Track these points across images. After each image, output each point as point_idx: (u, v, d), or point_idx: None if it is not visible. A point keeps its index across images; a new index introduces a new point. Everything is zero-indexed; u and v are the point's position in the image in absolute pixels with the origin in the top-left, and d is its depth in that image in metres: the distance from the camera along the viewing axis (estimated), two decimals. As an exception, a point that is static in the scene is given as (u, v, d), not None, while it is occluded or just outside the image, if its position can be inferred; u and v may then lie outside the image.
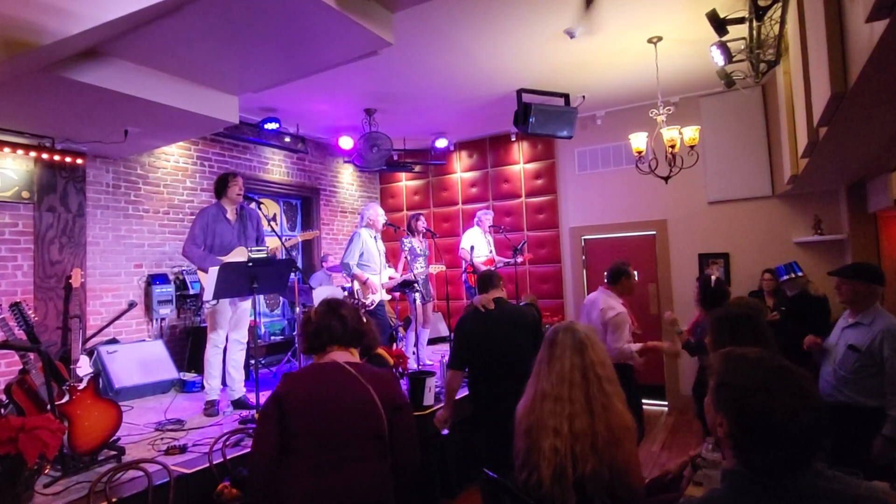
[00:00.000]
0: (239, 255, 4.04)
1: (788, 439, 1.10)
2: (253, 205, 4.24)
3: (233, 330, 4.09)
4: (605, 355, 1.99)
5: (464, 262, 6.13)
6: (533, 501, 1.82)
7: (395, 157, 7.17)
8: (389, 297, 5.43)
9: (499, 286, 3.38)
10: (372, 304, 5.04)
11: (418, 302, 5.36)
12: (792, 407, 1.10)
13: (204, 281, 3.96)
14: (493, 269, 3.63)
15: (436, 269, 5.61)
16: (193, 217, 5.64)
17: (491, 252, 6.18)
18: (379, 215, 5.28)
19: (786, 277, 4.90)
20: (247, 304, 4.17)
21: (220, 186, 4.19)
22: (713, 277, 3.77)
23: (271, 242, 4.27)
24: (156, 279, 5.24)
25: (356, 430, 1.89)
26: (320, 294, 5.18)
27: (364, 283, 4.99)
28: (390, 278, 5.24)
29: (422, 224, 5.68)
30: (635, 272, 4.23)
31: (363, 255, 5.08)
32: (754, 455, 1.14)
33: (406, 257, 5.55)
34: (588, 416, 1.85)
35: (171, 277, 5.36)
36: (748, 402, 1.14)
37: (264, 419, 1.95)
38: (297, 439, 1.88)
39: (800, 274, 4.86)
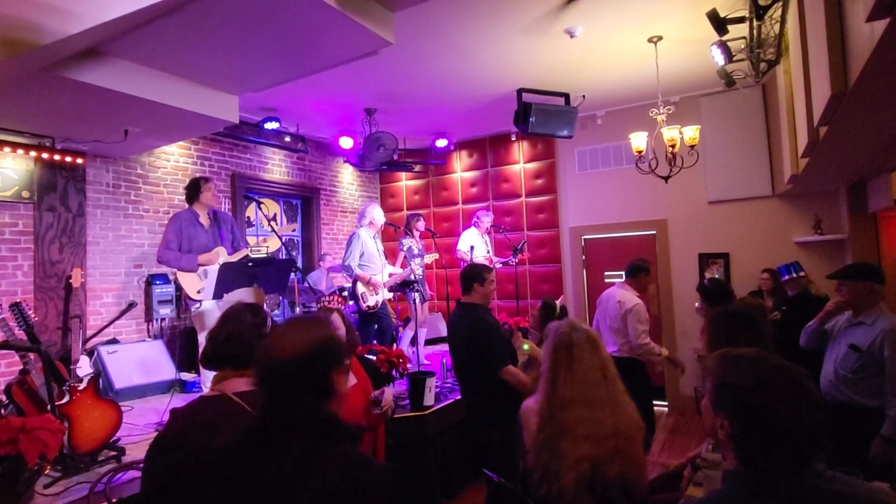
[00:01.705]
0: (220, 255, 4.08)
1: (791, 437, 1.10)
2: (252, 205, 4.26)
3: None
4: (606, 351, 2.00)
5: (462, 262, 6.12)
6: None
7: (395, 157, 7.17)
8: (391, 295, 5.44)
9: (469, 289, 3.22)
10: (377, 305, 5.04)
11: (418, 302, 5.36)
12: (794, 405, 1.11)
13: (184, 282, 3.97)
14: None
15: (429, 258, 5.61)
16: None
17: (488, 252, 6.18)
18: (379, 215, 5.28)
19: (787, 277, 4.89)
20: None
21: (192, 192, 4.19)
22: (708, 278, 3.83)
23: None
24: (156, 279, 5.24)
25: None
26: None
27: (368, 283, 4.99)
28: (390, 275, 5.24)
29: (421, 224, 5.68)
30: (652, 270, 4.38)
31: (363, 255, 5.08)
32: (758, 455, 1.13)
33: (405, 257, 5.55)
34: (613, 415, 1.83)
35: (171, 277, 5.35)
36: (749, 401, 1.14)
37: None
38: None
39: (801, 274, 4.86)
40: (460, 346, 3.19)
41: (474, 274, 3.22)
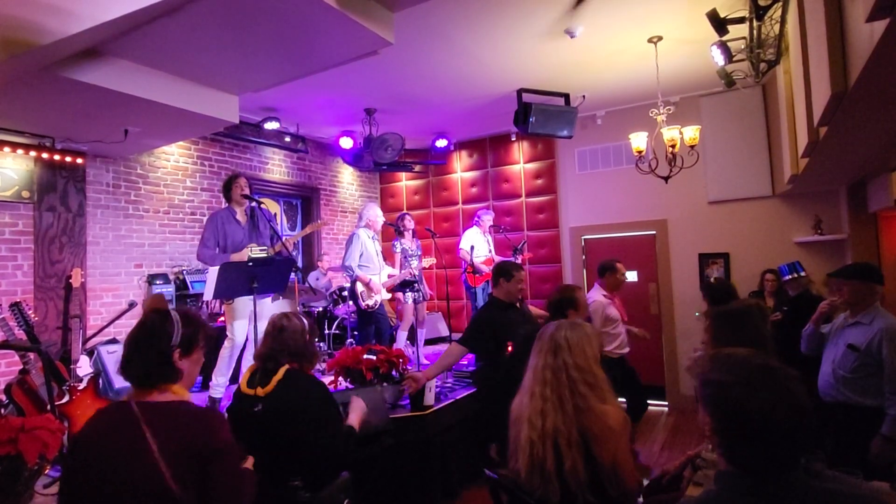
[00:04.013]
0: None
1: (765, 435, 1.10)
2: (254, 204, 4.28)
3: (259, 322, 4.12)
4: (584, 358, 1.93)
5: (463, 262, 6.13)
6: (525, 495, 1.83)
7: (396, 157, 7.17)
8: (390, 295, 5.44)
9: (496, 283, 3.55)
10: (375, 305, 5.04)
11: (409, 302, 5.37)
12: (769, 402, 1.10)
13: None
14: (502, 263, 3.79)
15: (427, 262, 5.62)
16: (194, 217, 5.70)
17: (490, 252, 6.18)
18: (378, 216, 5.28)
19: (788, 277, 4.89)
20: (267, 298, 4.25)
21: (227, 189, 4.30)
22: (712, 278, 3.86)
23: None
24: (156, 279, 5.23)
25: (124, 490, 1.51)
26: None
27: (367, 285, 5.00)
28: (389, 276, 5.24)
29: (410, 223, 5.67)
30: (622, 268, 4.50)
31: (362, 256, 5.08)
32: (735, 452, 1.15)
33: (399, 259, 5.56)
34: (560, 414, 1.85)
35: (172, 277, 5.35)
36: (726, 396, 1.16)
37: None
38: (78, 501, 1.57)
39: (802, 274, 4.85)
40: None
41: (502, 270, 3.50)
